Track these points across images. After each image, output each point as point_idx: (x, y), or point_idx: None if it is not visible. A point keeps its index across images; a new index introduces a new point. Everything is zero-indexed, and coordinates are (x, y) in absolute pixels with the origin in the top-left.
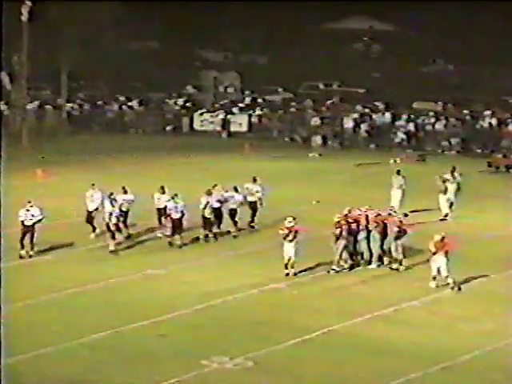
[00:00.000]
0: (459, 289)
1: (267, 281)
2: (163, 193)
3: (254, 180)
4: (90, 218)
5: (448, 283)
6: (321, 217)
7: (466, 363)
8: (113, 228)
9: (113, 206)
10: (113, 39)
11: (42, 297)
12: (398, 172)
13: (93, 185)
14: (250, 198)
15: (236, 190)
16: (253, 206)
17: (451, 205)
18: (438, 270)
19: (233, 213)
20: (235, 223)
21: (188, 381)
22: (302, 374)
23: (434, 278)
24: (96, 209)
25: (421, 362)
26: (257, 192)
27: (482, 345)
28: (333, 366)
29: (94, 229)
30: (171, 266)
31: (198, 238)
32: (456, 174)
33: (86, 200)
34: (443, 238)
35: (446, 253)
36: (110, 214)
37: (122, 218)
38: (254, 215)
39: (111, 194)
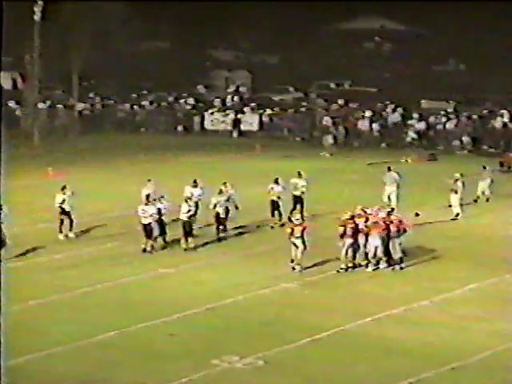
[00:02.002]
0: (377, 268)
1: (278, 280)
2: (195, 187)
3: (299, 175)
4: (63, 220)
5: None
6: (331, 216)
7: (477, 363)
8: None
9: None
10: (124, 39)
11: (53, 296)
12: (389, 169)
13: (64, 187)
14: (295, 193)
15: (276, 182)
16: (298, 200)
17: (487, 199)
18: (375, 251)
19: (274, 205)
20: (274, 215)
21: (198, 380)
22: (313, 374)
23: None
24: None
25: (432, 362)
26: (302, 186)
27: (493, 345)
28: (343, 365)
29: (61, 230)
30: (182, 265)
31: (219, 239)
32: (488, 169)
33: (57, 202)
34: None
35: (380, 234)
36: (160, 216)
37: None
38: (302, 208)
39: (151, 200)
